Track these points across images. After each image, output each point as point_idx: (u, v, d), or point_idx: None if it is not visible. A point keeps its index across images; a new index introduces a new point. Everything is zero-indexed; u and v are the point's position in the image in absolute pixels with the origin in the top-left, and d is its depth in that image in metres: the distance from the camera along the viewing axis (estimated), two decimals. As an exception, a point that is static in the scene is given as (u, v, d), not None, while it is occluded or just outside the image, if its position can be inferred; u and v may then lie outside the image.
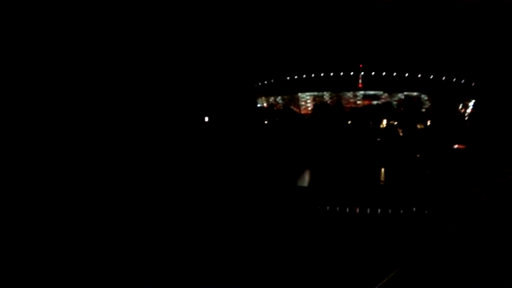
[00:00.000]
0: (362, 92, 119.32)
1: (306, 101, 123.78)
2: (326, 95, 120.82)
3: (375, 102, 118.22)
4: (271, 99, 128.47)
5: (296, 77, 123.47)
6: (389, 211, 28.10)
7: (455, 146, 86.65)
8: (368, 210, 28.43)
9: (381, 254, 14.44)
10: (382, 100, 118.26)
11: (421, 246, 9.73)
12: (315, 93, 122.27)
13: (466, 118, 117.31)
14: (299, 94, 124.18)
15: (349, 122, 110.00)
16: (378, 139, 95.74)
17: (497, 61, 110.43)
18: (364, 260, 14.31)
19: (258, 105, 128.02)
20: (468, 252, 8.01)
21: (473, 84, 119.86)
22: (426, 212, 26.36)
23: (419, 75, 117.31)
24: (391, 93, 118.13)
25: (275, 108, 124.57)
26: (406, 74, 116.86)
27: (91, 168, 41.69)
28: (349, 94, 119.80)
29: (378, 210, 28.22)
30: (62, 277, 12.24)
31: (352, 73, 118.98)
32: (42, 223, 18.76)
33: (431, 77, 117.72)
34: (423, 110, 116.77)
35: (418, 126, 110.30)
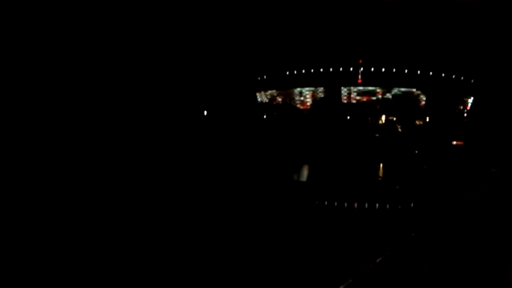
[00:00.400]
0: (361, 88, 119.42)
1: (306, 95, 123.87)
2: (326, 90, 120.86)
3: (374, 98, 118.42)
4: (271, 93, 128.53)
5: (296, 72, 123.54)
6: (388, 206, 28.37)
7: (454, 143, 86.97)
8: (366, 205, 28.69)
9: (376, 247, 14.64)
10: (381, 96, 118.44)
11: (407, 237, 9.93)
12: (315, 88, 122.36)
13: (465, 115, 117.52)
14: (298, 89, 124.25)
15: (348, 118, 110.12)
16: (377, 135, 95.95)
17: (496, 58, 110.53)
18: (358, 253, 14.52)
19: (258, 100, 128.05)
20: (453, 247, 8.21)
21: (472, 81, 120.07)
22: (423, 206, 26.60)
23: (418, 72, 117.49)
24: (390, 89, 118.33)
25: (275, 103, 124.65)
26: (406, 71, 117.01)
27: (90, 166, 41.75)
28: (349, 89, 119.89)
29: (376, 205, 28.47)
30: (62, 277, 12.33)
31: (351, 69, 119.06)
32: (42, 223, 18.86)
33: (430, 74, 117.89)
34: (422, 106, 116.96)
35: (417, 122, 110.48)
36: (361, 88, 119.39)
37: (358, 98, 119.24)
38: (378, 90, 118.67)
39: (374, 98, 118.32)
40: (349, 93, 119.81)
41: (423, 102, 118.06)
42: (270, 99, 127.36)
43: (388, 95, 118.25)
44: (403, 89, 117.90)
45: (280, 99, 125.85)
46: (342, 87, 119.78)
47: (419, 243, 8.82)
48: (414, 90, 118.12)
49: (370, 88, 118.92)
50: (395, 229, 19.02)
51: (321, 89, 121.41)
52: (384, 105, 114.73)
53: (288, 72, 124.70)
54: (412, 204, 28.41)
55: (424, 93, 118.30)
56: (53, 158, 45.59)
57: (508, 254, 7.04)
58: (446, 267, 6.95)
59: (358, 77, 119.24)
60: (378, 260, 7.66)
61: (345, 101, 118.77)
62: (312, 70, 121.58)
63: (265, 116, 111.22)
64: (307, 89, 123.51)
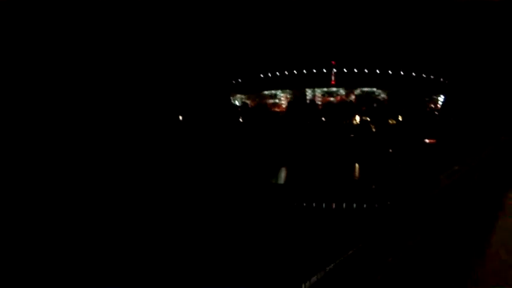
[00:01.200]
0: (335, 89, 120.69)
1: (280, 98, 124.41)
2: (300, 92, 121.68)
3: (347, 99, 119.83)
4: (246, 97, 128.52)
5: (269, 74, 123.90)
6: (364, 205, 28.77)
7: (426, 141, 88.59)
8: (343, 205, 29.04)
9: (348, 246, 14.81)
10: (355, 97, 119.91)
11: (378, 232, 10.03)
12: (289, 90, 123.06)
13: (437, 113, 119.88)
14: (273, 91, 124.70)
15: (323, 119, 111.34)
16: (352, 135, 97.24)
17: (466, 57, 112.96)
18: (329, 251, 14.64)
19: (233, 103, 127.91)
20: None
21: (442, 79, 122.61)
22: (398, 204, 26.99)
23: (390, 72, 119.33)
24: (363, 90, 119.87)
25: (250, 106, 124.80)
26: (378, 71, 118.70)
27: (78, 167, 41.13)
28: (323, 91, 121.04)
29: (353, 205, 28.83)
30: (62, 277, 12.20)
31: (325, 70, 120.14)
32: (42, 223, 18.59)
33: (402, 74, 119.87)
34: (395, 105, 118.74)
35: (390, 121, 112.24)
36: (334, 89, 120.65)
37: (331, 99, 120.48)
38: (351, 91, 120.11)
39: (348, 99, 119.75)
40: (323, 95, 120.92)
41: (396, 102, 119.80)
42: (244, 103, 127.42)
43: (361, 96, 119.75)
44: (375, 89, 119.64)
45: (254, 102, 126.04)
46: (316, 89, 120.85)
47: (374, 251, 8.85)
48: (387, 90, 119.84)
49: (344, 89, 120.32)
50: (369, 228, 19.32)
51: (295, 90, 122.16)
52: (358, 106, 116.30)
53: (262, 75, 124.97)
54: (387, 203, 28.86)
55: (396, 93, 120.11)
56: (38, 157, 44.82)
57: (469, 260, 7.11)
58: (401, 278, 6.97)
59: (331, 78, 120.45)
60: (345, 255, 7.76)
61: (319, 102, 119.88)
62: (286, 72, 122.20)
63: (240, 119, 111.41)
64: (281, 91, 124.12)
